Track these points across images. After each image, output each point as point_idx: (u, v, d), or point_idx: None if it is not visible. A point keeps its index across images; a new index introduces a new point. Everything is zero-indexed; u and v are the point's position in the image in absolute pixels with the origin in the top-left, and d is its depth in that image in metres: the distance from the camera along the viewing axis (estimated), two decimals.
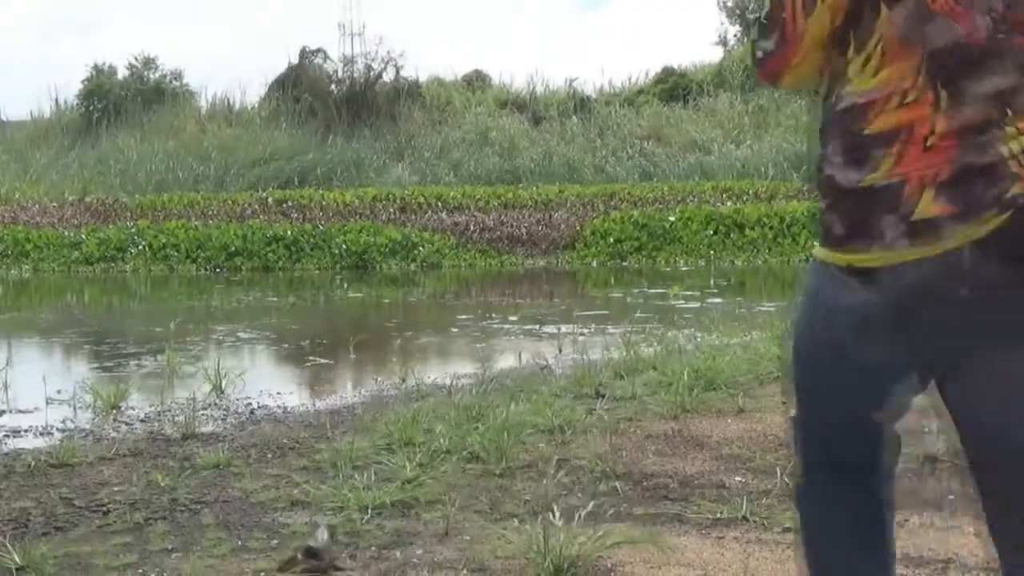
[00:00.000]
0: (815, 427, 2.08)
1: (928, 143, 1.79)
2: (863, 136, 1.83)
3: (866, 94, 1.84)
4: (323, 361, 8.52)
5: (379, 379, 7.17)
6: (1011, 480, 1.78)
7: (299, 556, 3.14)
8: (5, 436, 5.46)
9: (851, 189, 1.84)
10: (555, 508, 3.26)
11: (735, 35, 32.68)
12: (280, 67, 31.17)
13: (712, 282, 14.58)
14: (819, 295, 1.95)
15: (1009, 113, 1.77)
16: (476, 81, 31.12)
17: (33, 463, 4.54)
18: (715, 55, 31.47)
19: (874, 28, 1.82)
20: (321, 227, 18.85)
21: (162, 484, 4.15)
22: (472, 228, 19.16)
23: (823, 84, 1.95)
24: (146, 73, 31.22)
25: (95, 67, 30.92)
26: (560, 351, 8.06)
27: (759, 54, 1.95)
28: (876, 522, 2.12)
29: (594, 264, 17.99)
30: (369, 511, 3.67)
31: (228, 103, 31.14)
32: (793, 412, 2.13)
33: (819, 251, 1.93)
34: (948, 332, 1.79)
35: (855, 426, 2.02)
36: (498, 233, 19.02)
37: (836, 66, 1.89)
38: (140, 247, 18.22)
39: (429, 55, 65.12)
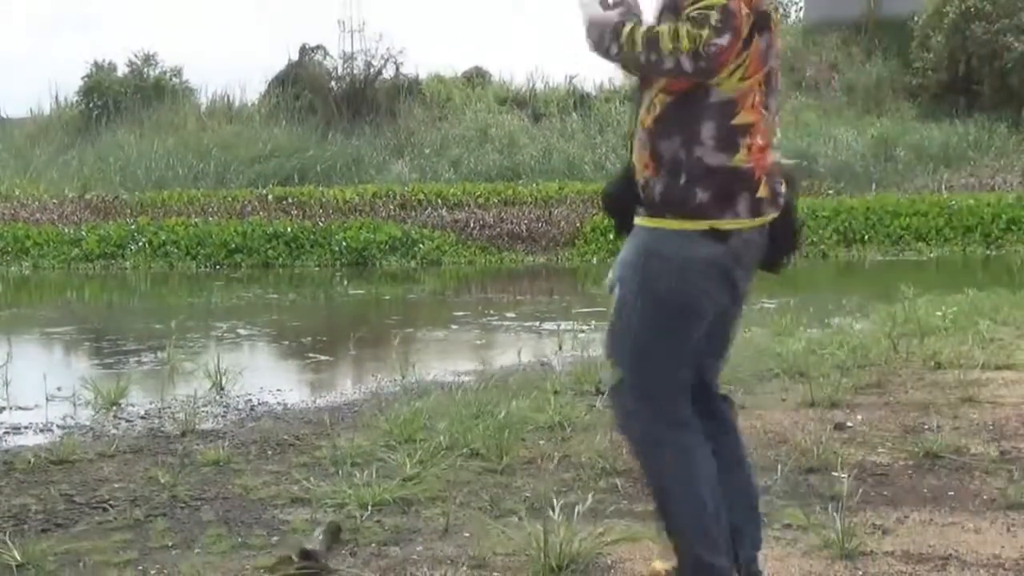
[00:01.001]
0: (668, 365, 2.59)
1: (760, 140, 2.53)
2: (730, 126, 2.49)
3: (733, 92, 2.48)
4: (323, 358, 8.52)
5: (379, 376, 7.16)
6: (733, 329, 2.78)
7: (292, 556, 3.12)
8: (5, 433, 5.46)
9: (719, 167, 2.48)
10: (555, 505, 3.25)
11: None
12: (280, 64, 31.15)
13: None
14: (675, 255, 2.51)
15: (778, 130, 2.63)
16: (476, 78, 31.08)
17: (33, 460, 4.54)
18: None
19: (750, 49, 2.47)
20: (321, 224, 18.84)
21: (162, 481, 4.14)
22: (472, 225, 19.15)
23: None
24: (146, 70, 31.16)
25: (95, 64, 30.87)
26: (560, 348, 8.05)
27: (713, 48, 2.38)
28: (726, 433, 2.75)
29: (594, 261, 17.98)
30: (369, 508, 3.67)
31: (228, 100, 31.10)
32: (621, 377, 2.62)
33: (671, 222, 2.51)
34: (748, 275, 2.63)
35: (695, 352, 2.63)
36: (498, 230, 19.01)
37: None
38: (140, 244, 18.21)
39: (429, 52, 64.99)
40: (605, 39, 2.48)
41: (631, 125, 2.67)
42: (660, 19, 2.51)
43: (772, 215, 2.56)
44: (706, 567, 2.62)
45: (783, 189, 2.60)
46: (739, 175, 2.50)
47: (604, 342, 2.73)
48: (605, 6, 2.56)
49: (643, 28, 2.46)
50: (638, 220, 2.59)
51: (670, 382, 2.60)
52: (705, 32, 2.37)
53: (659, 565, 2.94)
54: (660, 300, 2.54)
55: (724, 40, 2.38)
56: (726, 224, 2.50)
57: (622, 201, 2.65)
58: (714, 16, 2.38)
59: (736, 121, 2.49)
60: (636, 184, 2.60)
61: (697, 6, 2.40)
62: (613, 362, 2.67)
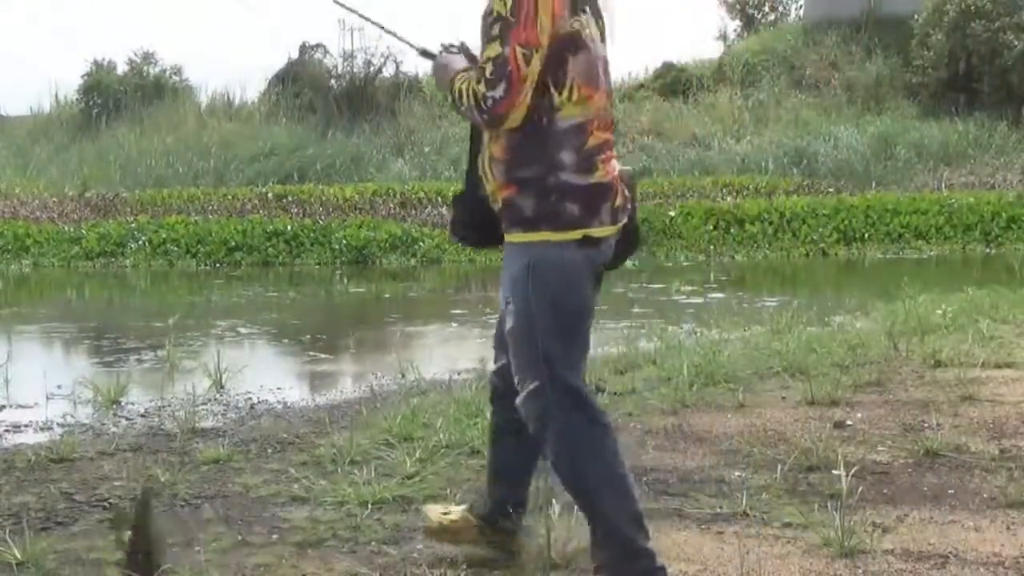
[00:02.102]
0: (573, 360, 2.79)
1: (610, 152, 2.75)
2: (586, 148, 2.69)
3: (580, 117, 2.67)
4: (323, 356, 8.52)
5: (379, 374, 7.16)
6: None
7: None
8: (5, 431, 5.46)
9: (583, 186, 2.68)
10: (554, 503, 3.26)
11: (735, 30, 32.67)
12: (280, 62, 31.16)
13: (712, 277, 14.59)
14: (558, 262, 2.70)
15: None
16: None
17: (33, 458, 4.54)
18: (715, 50, 31.44)
19: (567, 71, 2.63)
20: (321, 222, 18.83)
21: (162, 479, 4.15)
22: None
23: (524, 114, 2.62)
24: (146, 68, 31.17)
25: (95, 62, 30.89)
26: None
27: (489, 102, 2.59)
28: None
29: None
30: (369, 506, 3.67)
31: (228, 98, 31.10)
32: (533, 382, 2.75)
33: (547, 235, 2.68)
34: (600, 274, 2.84)
35: (585, 346, 2.85)
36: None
37: (540, 101, 2.63)
38: (140, 242, 18.20)
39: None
40: (447, 95, 2.76)
41: (471, 155, 2.86)
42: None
43: (624, 220, 2.80)
44: (637, 551, 2.75)
45: (628, 194, 2.83)
46: (601, 189, 2.72)
47: (512, 358, 2.83)
48: (449, 51, 2.82)
49: (460, 83, 2.69)
50: (513, 237, 2.75)
51: (578, 376, 2.82)
52: (481, 87, 2.60)
53: (434, 509, 3.23)
54: (554, 306, 2.71)
55: (498, 92, 2.58)
56: (596, 232, 2.71)
57: (483, 231, 2.86)
58: (488, 68, 2.59)
59: (590, 144, 2.70)
60: (482, 206, 2.80)
61: (481, 60, 2.63)
62: (525, 374, 2.77)
